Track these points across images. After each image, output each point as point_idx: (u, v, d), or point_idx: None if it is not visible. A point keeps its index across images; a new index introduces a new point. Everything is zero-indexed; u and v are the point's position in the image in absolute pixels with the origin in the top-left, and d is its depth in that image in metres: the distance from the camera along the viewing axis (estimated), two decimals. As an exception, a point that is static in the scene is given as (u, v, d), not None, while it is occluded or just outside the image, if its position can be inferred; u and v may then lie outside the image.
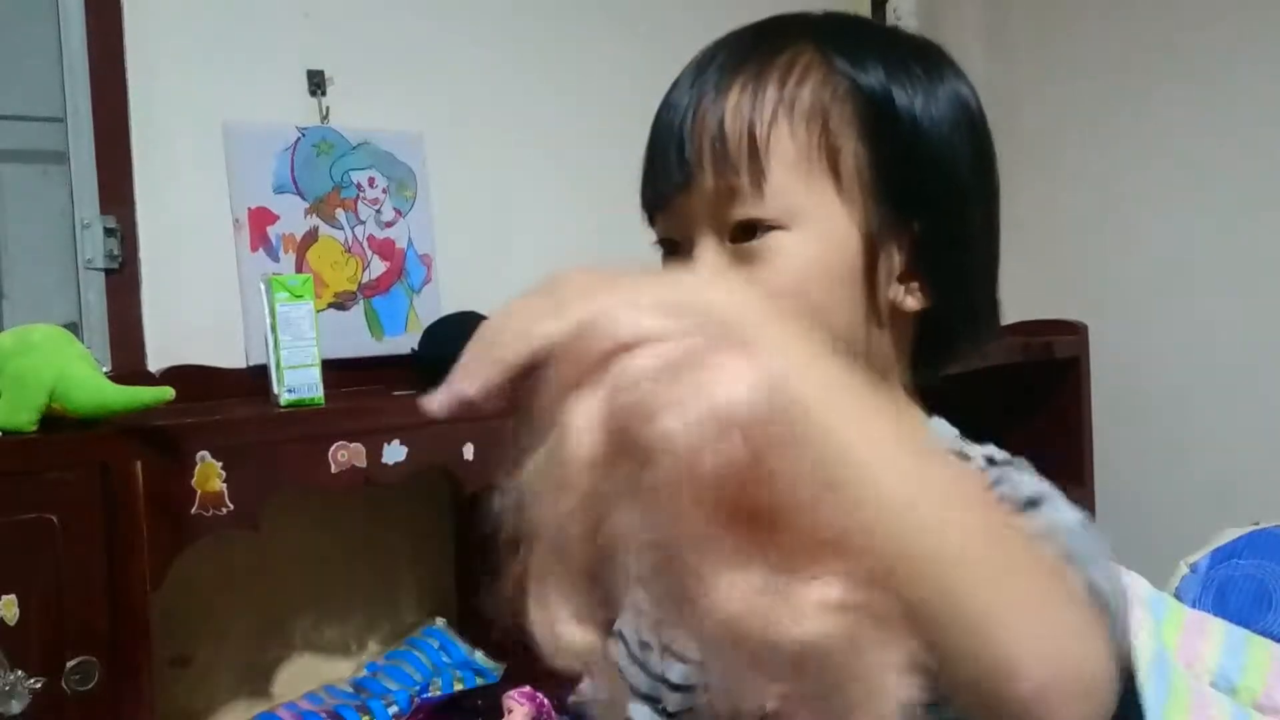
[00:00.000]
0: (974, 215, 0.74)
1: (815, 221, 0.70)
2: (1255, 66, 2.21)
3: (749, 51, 0.72)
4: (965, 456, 0.72)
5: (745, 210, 0.69)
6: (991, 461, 0.70)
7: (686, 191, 0.71)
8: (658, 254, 0.78)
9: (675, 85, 0.75)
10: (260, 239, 1.66)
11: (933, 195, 0.72)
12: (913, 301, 0.73)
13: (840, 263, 0.70)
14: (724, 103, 0.70)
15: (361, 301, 1.75)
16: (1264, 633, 1.08)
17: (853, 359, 0.70)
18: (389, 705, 1.51)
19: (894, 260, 0.72)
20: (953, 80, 0.74)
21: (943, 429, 0.77)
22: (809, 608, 0.43)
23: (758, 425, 0.43)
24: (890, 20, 2.43)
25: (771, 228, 0.69)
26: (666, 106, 0.73)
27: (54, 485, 1.17)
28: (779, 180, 0.69)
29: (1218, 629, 1.06)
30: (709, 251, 0.71)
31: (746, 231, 0.70)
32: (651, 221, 0.77)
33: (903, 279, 0.72)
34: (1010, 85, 2.52)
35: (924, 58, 0.74)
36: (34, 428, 1.20)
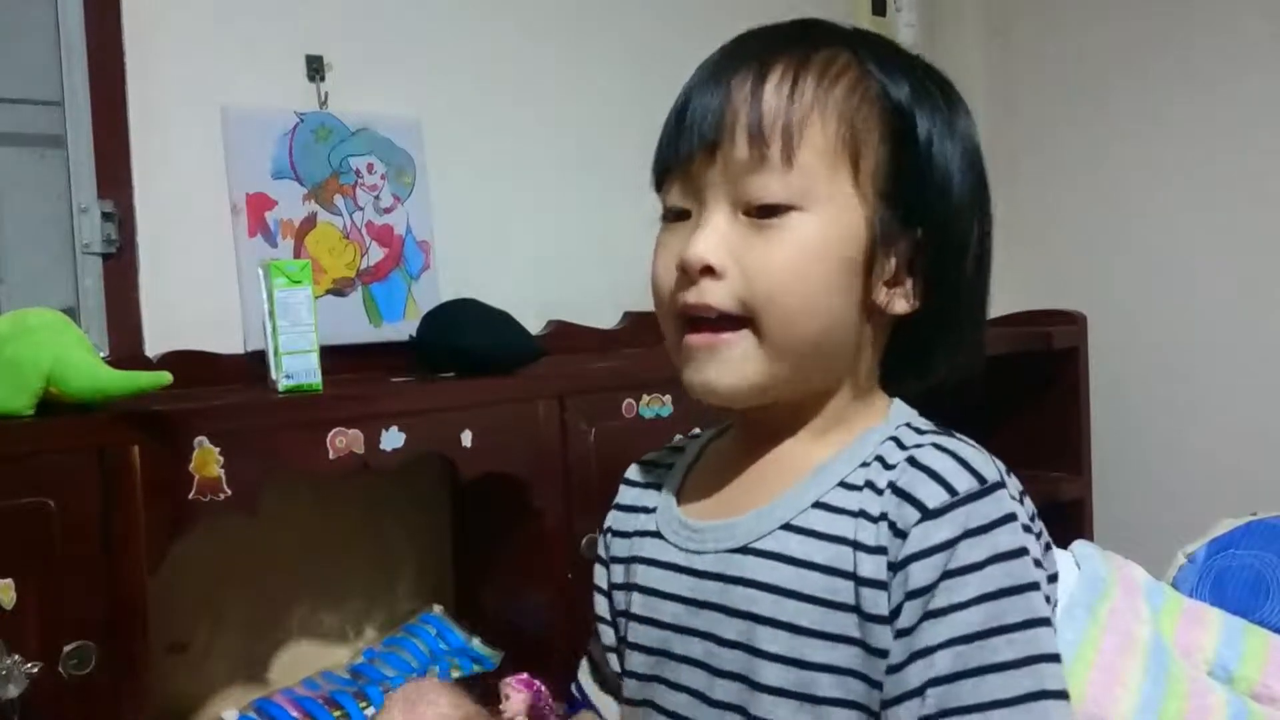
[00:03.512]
0: (969, 237, 0.78)
1: (830, 208, 0.73)
2: (1252, 60, 2.21)
3: (788, 44, 0.76)
4: (918, 430, 0.76)
5: (770, 183, 0.73)
6: (938, 446, 0.73)
7: (712, 156, 0.74)
8: (659, 226, 0.80)
9: (707, 66, 0.78)
10: (258, 224, 1.65)
11: (935, 209, 0.76)
12: (901, 304, 0.77)
13: (844, 252, 0.74)
14: (764, 85, 0.74)
15: (360, 288, 1.75)
16: (1261, 623, 1.08)
17: (833, 346, 0.75)
18: (386, 692, 1.51)
19: (891, 262, 0.76)
20: (964, 117, 0.78)
21: (900, 411, 0.81)
22: None
23: None
24: (890, 16, 2.43)
25: (790, 208, 0.73)
26: (699, 83, 0.76)
27: (51, 470, 1.17)
28: (806, 161, 0.73)
29: (1215, 619, 1.06)
30: (721, 219, 0.74)
31: (764, 209, 0.73)
32: (660, 189, 0.80)
33: (895, 282, 0.77)
34: (1009, 78, 2.51)
35: (943, 90, 0.78)
36: (31, 412, 1.20)
